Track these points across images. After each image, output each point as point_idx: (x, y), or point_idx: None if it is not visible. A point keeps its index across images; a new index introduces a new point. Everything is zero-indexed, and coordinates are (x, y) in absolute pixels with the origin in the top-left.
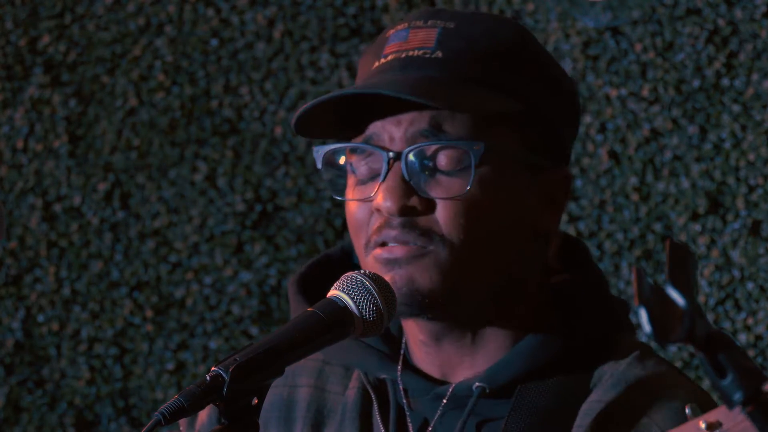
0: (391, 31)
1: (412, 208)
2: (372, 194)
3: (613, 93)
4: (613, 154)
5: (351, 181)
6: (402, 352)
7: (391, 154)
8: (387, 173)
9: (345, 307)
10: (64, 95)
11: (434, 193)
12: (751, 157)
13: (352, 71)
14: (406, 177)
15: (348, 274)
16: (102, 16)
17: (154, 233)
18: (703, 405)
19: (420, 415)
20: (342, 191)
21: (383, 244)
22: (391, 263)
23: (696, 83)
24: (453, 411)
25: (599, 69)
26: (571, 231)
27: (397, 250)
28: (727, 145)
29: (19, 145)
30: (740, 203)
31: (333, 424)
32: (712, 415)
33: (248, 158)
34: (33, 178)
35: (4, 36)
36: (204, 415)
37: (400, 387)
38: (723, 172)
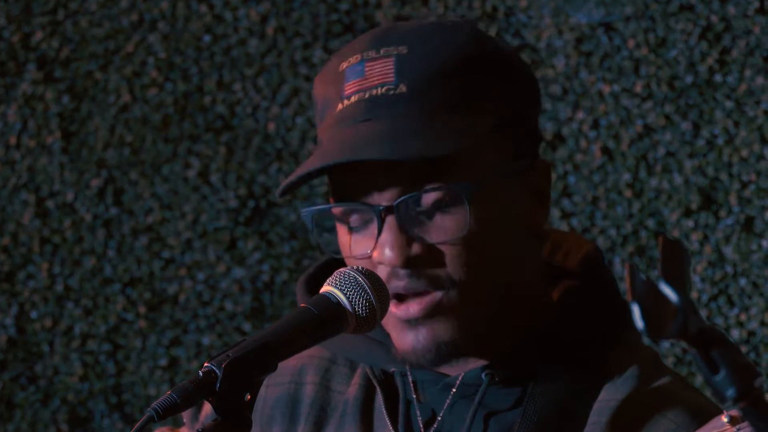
0: (345, 65)
1: (415, 257)
2: (370, 249)
3: (606, 89)
4: (606, 151)
5: (343, 232)
6: None
7: (380, 208)
8: (381, 227)
9: (338, 303)
10: (57, 91)
11: (433, 237)
12: (744, 153)
13: None
14: (402, 227)
15: (340, 269)
16: (95, 12)
17: (147, 229)
18: (709, 412)
19: (428, 407)
20: (335, 246)
21: (396, 297)
22: (411, 323)
23: (689, 79)
24: (463, 400)
25: (592, 65)
26: (564, 227)
27: (412, 307)
28: (720, 141)
29: (12, 141)
30: (733, 199)
31: (334, 422)
32: (736, 411)
33: (241, 154)
34: (26, 174)
35: None
36: (209, 406)
37: (410, 379)
38: (716, 168)
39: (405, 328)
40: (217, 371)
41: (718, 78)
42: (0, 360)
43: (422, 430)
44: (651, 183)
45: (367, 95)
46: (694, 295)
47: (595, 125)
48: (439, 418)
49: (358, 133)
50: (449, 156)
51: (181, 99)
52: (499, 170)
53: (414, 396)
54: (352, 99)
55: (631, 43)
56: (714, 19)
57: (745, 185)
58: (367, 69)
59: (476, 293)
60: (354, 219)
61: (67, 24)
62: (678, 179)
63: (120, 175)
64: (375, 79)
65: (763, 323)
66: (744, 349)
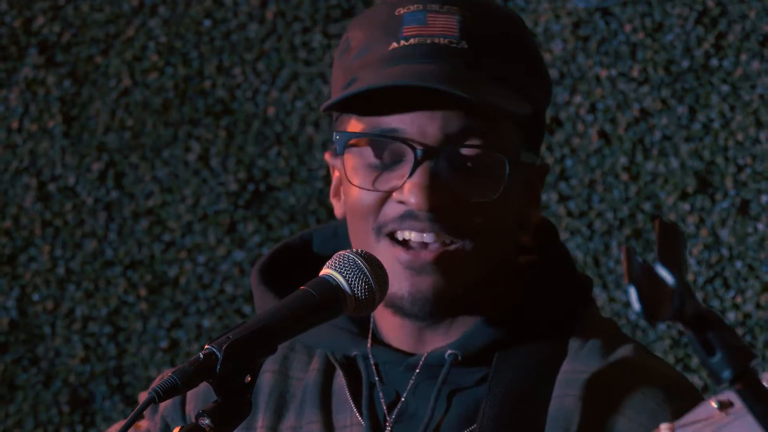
0: (403, 10)
1: (442, 207)
2: (394, 186)
3: (603, 73)
4: (603, 134)
5: (360, 165)
6: (371, 328)
7: (419, 151)
8: (415, 169)
9: (337, 286)
10: (59, 76)
11: (465, 194)
12: (740, 137)
13: None
14: (436, 174)
15: (340, 252)
16: None
17: (147, 213)
18: (680, 384)
19: (392, 389)
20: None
21: (405, 242)
22: (417, 270)
23: (685, 64)
24: (426, 381)
25: (589, 50)
26: (562, 211)
27: (424, 255)
28: (716, 125)
29: (14, 125)
30: (729, 183)
31: (293, 408)
32: (725, 395)
33: (241, 138)
34: (27, 158)
35: None
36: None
37: (372, 362)
38: (712, 151)
39: (408, 274)
40: (218, 353)
41: (714, 62)
42: (2, 342)
43: (386, 412)
44: (647, 166)
45: (429, 41)
46: (690, 277)
47: (592, 109)
48: (403, 399)
49: (424, 68)
50: (497, 121)
51: (181, 83)
52: (518, 158)
53: (377, 378)
54: (411, 41)
55: (627, 28)
56: (710, 3)
57: (740, 169)
58: (429, 19)
59: (485, 257)
60: (385, 154)
61: (68, 9)
62: (674, 163)
63: (121, 159)
64: (437, 29)
65: (758, 306)
66: (740, 331)
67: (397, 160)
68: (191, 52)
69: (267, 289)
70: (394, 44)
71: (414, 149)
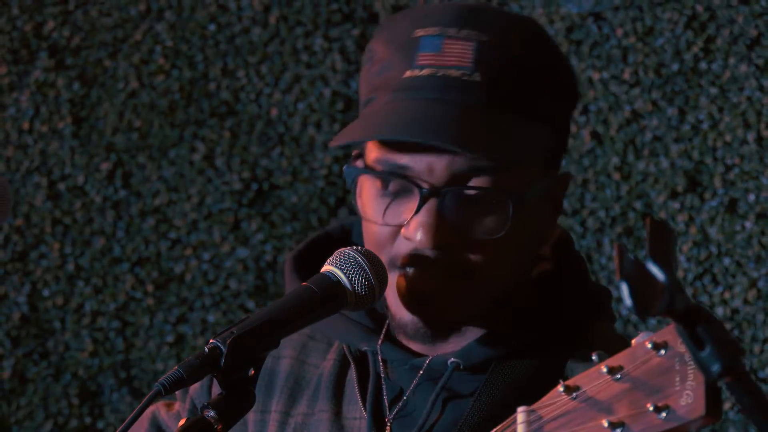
0: (421, 32)
1: (445, 244)
2: (403, 221)
3: (596, 76)
4: (595, 135)
5: (372, 195)
6: (387, 325)
7: (425, 190)
8: (420, 206)
9: (338, 282)
10: (68, 78)
11: (470, 232)
12: (728, 137)
13: (344, 55)
14: (441, 214)
15: (341, 249)
16: (104, 2)
17: (154, 211)
18: None
19: (396, 385)
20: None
21: (411, 267)
22: (421, 302)
23: (675, 67)
24: (427, 383)
25: (582, 53)
26: None
27: (427, 286)
28: (705, 126)
29: (25, 126)
30: (717, 182)
31: (307, 393)
32: (572, 380)
33: (245, 139)
34: (38, 158)
35: (10, 22)
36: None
37: (379, 358)
38: (701, 152)
39: (410, 305)
40: (222, 347)
41: (703, 65)
42: (13, 336)
43: (387, 406)
44: (638, 166)
45: (440, 73)
46: (680, 274)
47: (585, 111)
48: (405, 398)
49: (429, 111)
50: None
51: (187, 85)
52: (537, 186)
53: (383, 372)
54: (424, 72)
55: (619, 32)
56: (699, 8)
57: (729, 168)
58: (445, 46)
59: (491, 287)
60: (395, 186)
61: (78, 13)
62: (664, 163)
63: (128, 159)
64: (451, 59)
65: (746, 301)
66: (728, 326)
67: (405, 193)
68: (197, 56)
69: (297, 278)
70: (408, 72)
71: (420, 188)
